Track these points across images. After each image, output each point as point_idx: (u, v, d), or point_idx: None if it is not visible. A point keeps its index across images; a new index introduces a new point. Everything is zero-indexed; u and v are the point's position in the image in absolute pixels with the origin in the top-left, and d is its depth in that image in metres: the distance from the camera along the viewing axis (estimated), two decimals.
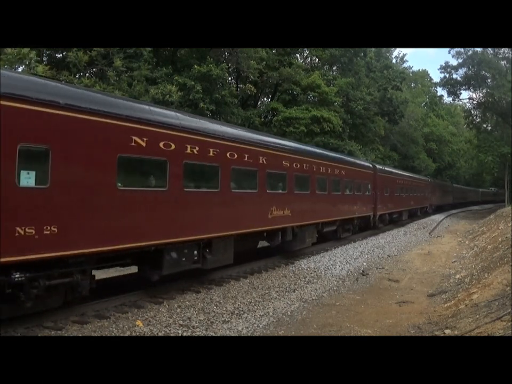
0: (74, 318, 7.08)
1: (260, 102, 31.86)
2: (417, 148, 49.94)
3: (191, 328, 7.33)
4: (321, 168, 15.02)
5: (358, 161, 21.29)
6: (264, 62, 24.67)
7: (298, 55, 32.85)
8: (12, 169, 5.71)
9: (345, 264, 14.07)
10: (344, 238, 18.25)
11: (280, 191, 12.29)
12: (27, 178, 5.93)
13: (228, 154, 9.91)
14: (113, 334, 6.71)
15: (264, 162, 11.19)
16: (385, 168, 25.70)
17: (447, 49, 46.88)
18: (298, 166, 13.18)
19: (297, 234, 13.27)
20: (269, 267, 12.32)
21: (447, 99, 59.83)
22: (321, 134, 26.37)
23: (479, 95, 44.59)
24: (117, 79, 17.45)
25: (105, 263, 7.60)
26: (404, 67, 61.85)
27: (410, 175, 33.23)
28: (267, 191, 11.37)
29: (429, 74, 76.92)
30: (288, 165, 12.51)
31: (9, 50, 13.14)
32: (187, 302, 8.54)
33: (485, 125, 47.48)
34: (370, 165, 22.50)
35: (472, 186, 71.35)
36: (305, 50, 32.99)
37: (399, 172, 29.93)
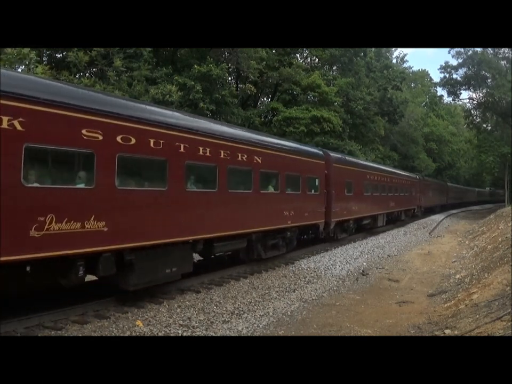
0: (74, 318, 7.08)
1: (259, 102, 31.86)
2: (417, 148, 49.96)
3: (191, 328, 7.33)
4: (200, 149, 9.09)
5: (290, 144, 14.24)
6: (264, 62, 24.68)
7: (298, 55, 32.88)
8: None
9: (345, 264, 14.07)
10: (271, 259, 12.57)
11: (79, 186, 6.86)
12: None
13: None
14: (113, 334, 6.71)
15: (22, 129, 5.91)
16: (347, 158, 19.38)
17: (447, 49, 46.94)
18: (134, 141, 7.51)
19: (133, 264, 7.73)
20: (269, 267, 12.32)
21: (447, 99, 59.92)
22: (321, 134, 26.40)
23: (479, 95, 44.65)
24: (117, 79, 17.46)
25: None
26: (404, 67, 61.92)
27: (389, 169, 27.15)
28: (27, 185, 6.06)
29: (429, 74, 77.07)
30: (101, 137, 6.98)
31: (9, 50, 13.15)
32: (187, 302, 8.54)
33: (485, 125, 47.51)
34: (320, 152, 16.04)
35: (472, 186, 70.62)
36: (305, 50, 33.00)
37: (372, 165, 23.72)
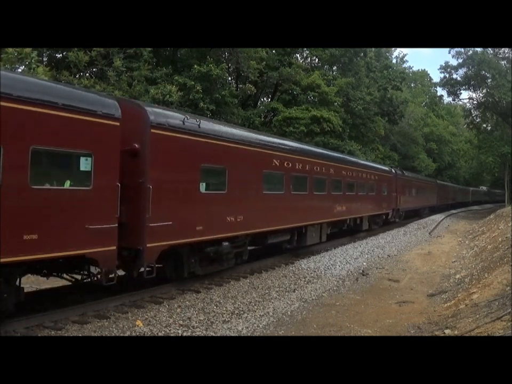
0: (74, 318, 7.08)
1: (259, 102, 31.86)
2: (417, 148, 49.97)
3: (191, 328, 7.33)
4: None
5: None
6: (264, 62, 24.68)
7: (298, 55, 32.88)
8: None
9: (345, 264, 14.06)
10: None
11: None
12: None
13: None
14: (113, 334, 6.71)
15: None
16: (205, 122, 9.64)
17: (446, 49, 46.94)
18: None
19: None
20: (269, 267, 12.32)
21: (447, 99, 59.91)
22: (321, 134, 26.39)
23: (479, 95, 44.67)
24: (117, 79, 17.45)
25: None
26: (404, 67, 61.97)
27: (334, 155, 18.11)
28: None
29: (428, 74, 77.14)
30: None
31: (10, 49, 13.15)
32: (187, 302, 8.54)
33: (485, 125, 47.53)
34: (94, 97, 7.60)
35: (472, 185, 69.72)
36: (305, 50, 33.00)
37: (289, 144, 13.89)
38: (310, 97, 28.31)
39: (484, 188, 74.15)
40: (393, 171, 25.91)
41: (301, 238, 13.85)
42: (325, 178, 15.42)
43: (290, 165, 12.73)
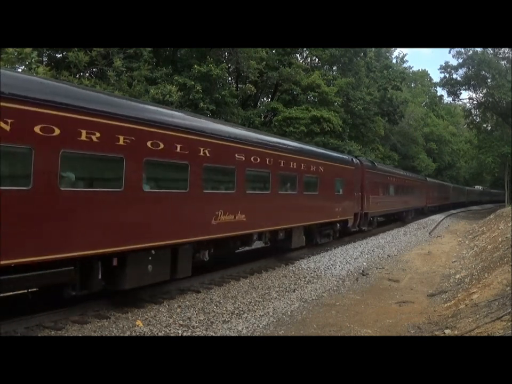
0: (74, 318, 7.08)
1: (259, 102, 31.88)
2: (417, 148, 49.99)
3: (191, 328, 7.33)
4: None
5: None
6: (264, 62, 24.69)
7: (298, 55, 32.90)
8: None
9: (345, 264, 14.06)
10: None
11: None
12: None
13: None
14: (113, 334, 6.71)
15: None
16: None
17: (446, 49, 46.96)
18: None
19: None
20: (269, 267, 12.32)
21: (447, 99, 59.85)
22: (321, 134, 26.39)
23: (479, 95, 44.67)
24: (117, 79, 17.46)
25: None
26: (404, 67, 62.01)
27: (220, 127, 10.08)
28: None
29: (429, 74, 77.18)
30: None
31: (10, 49, 13.16)
32: (187, 302, 8.54)
33: (485, 125, 47.54)
34: None
35: (471, 185, 69.15)
36: (305, 50, 33.02)
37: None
38: (310, 97, 28.34)
39: (480, 188, 73.18)
40: (358, 162, 18.85)
41: (114, 276, 7.33)
42: (186, 164, 8.51)
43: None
